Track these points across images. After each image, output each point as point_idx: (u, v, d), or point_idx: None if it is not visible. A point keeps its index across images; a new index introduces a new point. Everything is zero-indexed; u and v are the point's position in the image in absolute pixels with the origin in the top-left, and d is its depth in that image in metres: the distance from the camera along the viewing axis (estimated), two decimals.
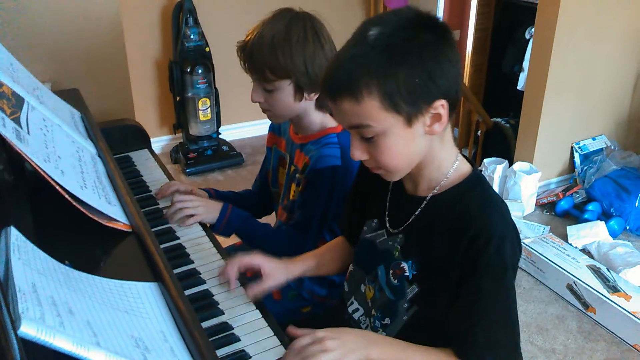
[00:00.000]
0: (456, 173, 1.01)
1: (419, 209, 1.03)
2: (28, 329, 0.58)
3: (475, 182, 1.02)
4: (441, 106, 0.92)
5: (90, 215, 1.04)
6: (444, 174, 1.01)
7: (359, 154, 0.97)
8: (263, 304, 1.13)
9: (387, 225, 1.09)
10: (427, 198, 1.03)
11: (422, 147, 0.97)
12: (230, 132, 3.96)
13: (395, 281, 1.06)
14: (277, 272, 1.18)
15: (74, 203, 1.01)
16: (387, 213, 1.10)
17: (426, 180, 1.03)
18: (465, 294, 0.97)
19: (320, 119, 1.42)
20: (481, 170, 3.26)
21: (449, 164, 1.01)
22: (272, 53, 1.29)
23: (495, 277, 0.95)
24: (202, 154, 3.69)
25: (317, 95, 1.36)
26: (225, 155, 3.76)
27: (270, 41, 1.30)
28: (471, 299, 0.96)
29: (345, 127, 0.97)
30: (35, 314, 0.60)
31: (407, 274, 1.04)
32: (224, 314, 1.09)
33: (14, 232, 0.77)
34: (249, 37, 1.34)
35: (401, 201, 1.08)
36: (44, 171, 0.97)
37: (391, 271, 1.07)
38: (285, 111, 1.39)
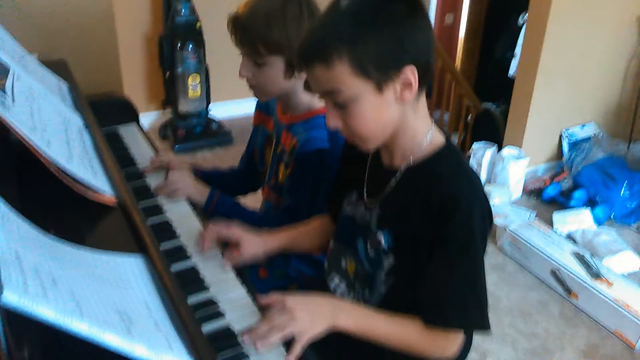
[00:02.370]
0: (430, 145, 1.03)
1: (394, 181, 1.05)
2: (10, 297, 0.57)
3: (449, 154, 1.03)
4: (411, 73, 0.93)
5: (76, 187, 1.03)
6: (417, 144, 1.03)
7: (333, 122, 0.99)
8: (249, 281, 1.13)
9: (365, 197, 1.11)
10: (402, 169, 1.04)
11: (394, 115, 0.98)
12: (220, 110, 3.93)
13: (373, 253, 1.08)
14: (255, 243, 1.20)
15: (60, 175, 1.00)
16: (365, 186, 1.11)
17: (400, 151, 1.04)
18: (433, 262, 0.98)
19: (308, 99, 1.41)
20: (469, 155, 3.27)
21: (422, 135, 1.03)
22: (267, 27, 1.28)
23: (462, 244, 0.97)
24: (191, 131, 3.67)
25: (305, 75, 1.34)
26: (215, 133, 3.74)
27: (265, 15, 1.28)
28: (438, 265, 0.98)
29: (319, 94, 0.99)
30: (18, 283, 0.60)
31: (383, 245, 1.05)
32: (209, 290, 1.08)
33: None
34: (242, 10, 1.32)
35: (378, 173, 1.09)
36: (29, 141, 0.96)
37: (369, 243, 1.09)
38: (273, 88, 1.38)
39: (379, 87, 0.93)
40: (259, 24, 1.28)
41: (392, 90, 0.94)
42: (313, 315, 0.95)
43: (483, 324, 1.00)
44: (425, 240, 0.99)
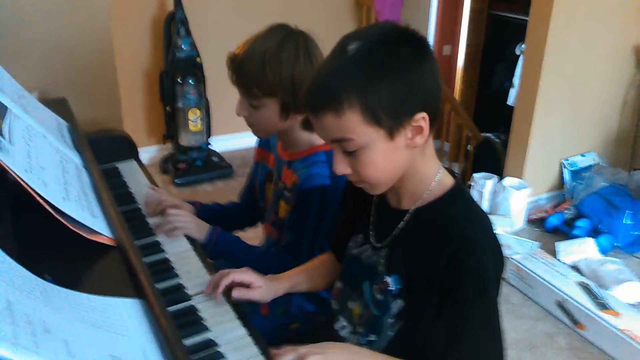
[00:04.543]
0: (439, 186, 1.01)
1: (403, 223, 1.03)
2: (0, 350, 0.55)
3: (458, 195, 1.01)
4: (422, 118, 0.92)
5: (72, 228, 1.01)
6: (426, 186, 1.01)
7: (341, 167, 0.97)
8: (249, 321, 1.11)
9: (372, 239, 1.09)
10: (410, 211, 1.02)
11: (404, 160, 0.97)
12: (220, 143, 3.94)
13: (380, 296, 1.05)
14: (267, 288, 1.17)
15: (56, 215, 0.99)
16: (371, 227, 1.09)
17: (409, 193, 1.03)
18: (447, 308, 0.95)
19: (307, 137, 1.40)
20: (470, 185, 3.26)
21: (431, 177, 1.01)
22: (261, 69, 1.27)
23: (477, 290, 0.94)
24: (191, 164, 3.67)
25: (302, 116, 1.34)
26: (215, 167, 3.74)
27: (261, 56, 1.28)
28: (453, 312, 0.95)
29: (328, 141, 0.97)
30: (7, 334, 0.58)
31: (391, 288, 1.03)
32: (209, 330, 1.06)
33: None
34: (239, 50, 1.32)
35: (385, 215, 1.07)
36: (25, 182, 0.95)
37: (375, 286, 1.06)
38: (269, 128, 1.38)
39: (391, 134, 0.91)
40: (254, 67, 1.28)
41: (403, 137, 0.93)
42: None
43: None
44: (436, 284, 0.96)
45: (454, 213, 0.98)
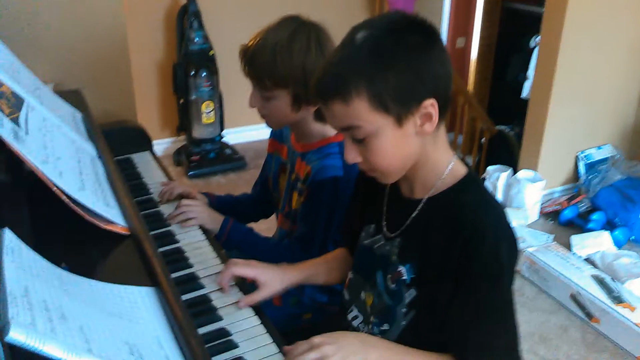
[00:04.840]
0: (451, 175, 1.00)
1: (415, 212, 1.02)
2: (17, 335, 0.56)
3: (471, 184, 1.01)
4: (431, 105, 0.91)
5: (87, 218, 1.02)
6: (438, 175, 1.00)
7: (352, 156, 0.97)
8: (262, 311, 1.12)
9: (384, 229, 1.08)
10: (423, 200, 1.02)
11: (414, 148, 0.97)
12: (233, 136, 3.95)
13: (393, 286, 1.05)
14: (274, 281, 1.17)
15: (72, 205, 1.00)
16: (384, 217, 1.09)
17: (421, 182, 1.02)
18: (461, 296, 0.95)
19: (320, 128, 1.40)
20: (483, 178, 3.24)
21: (443, 166, 1.01)
22: (272, 60, 1.27)
23: (491, 279, 0.94)
24: (205, 157, 3.68)
25: (314, 107, 1.34)
26: (228, 159, 3.75)
27: (272, 48, 1.28)
28: (467, 301, 0.95)
29: (337, 129, 0.98)
30: (26, 319, 0.59)
31: (404, 278, 1.03)
32: (222, 319, 1.07)
33: (8, 235, 0.75)
34: (251, 42, 1.32)
35: (397, 205, 1.07)
36: (41, 172, 0.96)
37: (389, 276, 1.06)
38: (281, 120, 1.38)
39: (399, 121, 0.91)
40: (264, 57, 1.28)
41: (412, 124, 0.93)
42: (342, 351, 0.92)
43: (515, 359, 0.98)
44: (449, 274, 0.96)
45: (467, 201, 0.97)
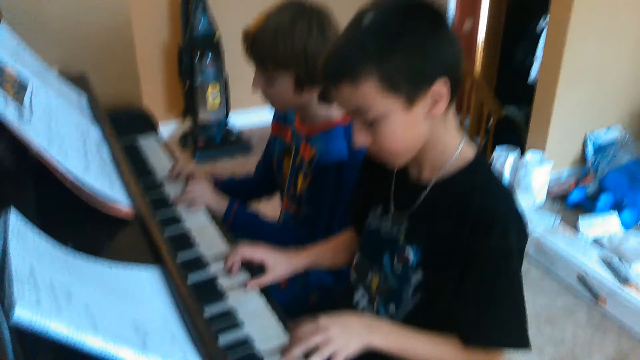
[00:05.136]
0: (460, 157, 1.00)
1: (423, 195, 1.02)
2: (23, 313, 0.57)
3: (479, 166, 1.00)
4: (441, 86, 0.90)
5: (93, 199, 1.03)
6: (447, 158, 1.00)
7: (361, 139, 0.96)
8: (268, 291, 1.12)
9: (392, 211, 1.08)
10: (432, 183, 1.01)
11: (424, 131, 0.96)
12: (239, 119, 3.95)
13: (400, 268, 1.05)
14: (281, 265, 1.19)
15: (76, 187, 1.00)
16: (391, 199, 1.09)
17: (430, 164, 1.02)
18: (469, 279, 0.95)
19: (325, 110, 1.40)
20: (492, 161, 3.22)
21: (452, 148, 1.00)
22: (273, 43, 1.28)
23: (499, 261, 0.94)
24: (210, 140, 3.68)
25: (318, 90, 1.34)
26: (234, 142, 3.75)
27: (274, 31, 1.28)
28: (475, 283, 0.95)
29: (346, 112, 0.97)
30: (32, 298, 0.59)
31: (411, 260, 1.03)
32: (228, 300, 1.08)
33: (13, 215, 0.76)
34: (254, 25, 1.32)
35: (405, 187, 1.07)
36: (45, 153, 0.96)
37: (396, 258, 1.06)
38: (285, 102, 1.38)
39: (409, 103, 0.91)
40: (266, 40, 1.28)
41: (422, 106, 0.92)
42: (348, 333, 0.93)
43: (524, 343, 0.98)
44: (457, 256, 0.96)
45: (476, 184, 0.97)
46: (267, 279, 1.15)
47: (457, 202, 0.97)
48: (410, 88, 0.89)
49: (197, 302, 0.90)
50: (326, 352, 0.90)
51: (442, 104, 0.92)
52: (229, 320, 1.02)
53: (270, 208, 1.71)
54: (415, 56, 0.88)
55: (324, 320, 0.93)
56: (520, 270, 0.97)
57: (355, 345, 0.92)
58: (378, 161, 1.02)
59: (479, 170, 1.00)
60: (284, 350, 0.94)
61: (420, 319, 1.02)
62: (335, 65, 0.92)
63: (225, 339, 0.97)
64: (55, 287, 0.65)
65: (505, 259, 0.94)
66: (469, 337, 0.97)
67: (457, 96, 0.95)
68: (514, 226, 0.94)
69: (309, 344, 0.91)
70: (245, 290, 1.11)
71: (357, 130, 0.96)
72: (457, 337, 0.98)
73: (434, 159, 1.01)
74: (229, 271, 1.15)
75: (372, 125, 0.93)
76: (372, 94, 0.89)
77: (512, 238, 0.93)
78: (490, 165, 1.04)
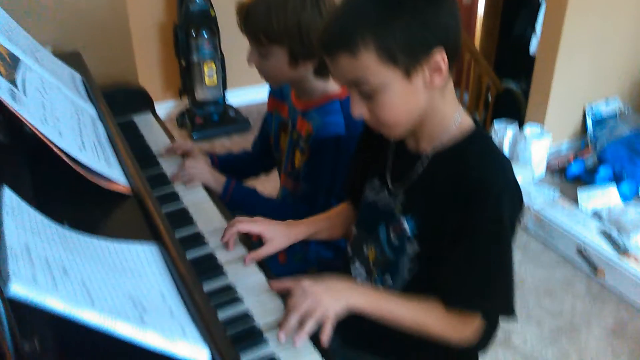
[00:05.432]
0: (458, 129, 0.99)
1: (421, 166, 1.02)
2: (18, 289, 0.57)
3: (477, 137, 1.00)
4: (440, 57, 0.90)
5: (89, 178, 1.02)
6: (445, 129, 0.99)
7: (359, 111, 0.96)
8: (268, 266, 1.13)
9: (389, 183, 1.08)
10: (429, 155, 1.01)
11: (422, 102, 0.95)
12: (236, 97, 3.92)
13: (396, 240, 1.05)
14: (279, 236, 1.18)
15: (72, 165, 1.00)
16: (388, 171, 1.09)
17: (427, 136, 1.01)
18: (458, 245, 0.95)
19: (321, 85, 1.39)
20: (490, 133, 3.22)
21: (450, 119, 0.99)
22: (267, 17, 1.27)
23: (490, 230, 0.94)
24: (208, 118, 3.67)
25: (313, 64, 1.33)
26: (232, 121, 3.73)
27: (267, 4, 1.27)
28: (463, 248, 0.95)
29: (344, 84, 0.96)
30: (27, 274, 0.59)
31: (407, 232, 1.03)
32: (227, 275, 1.08)
33: (7, 193, 0.75)
34: None
35: (403, 158, 1.06)
36: (40, 132, 0.95)
37: (391, 229, 1.06)
38: (280, 77, 1.37)
39: (408, 73, 0.90)
40: (259, 14, 1.28)
41: (421, 76, 0.91)
42: (332, 294, 0.94)
43: (507, 310, 0.98)
44: (452, 227, 0.96)
45: (473, 155, 0.96)
46: (265, 251, 1.15)
47: (454, 174, 0.96)
48: (409, 57, 0.89)
49: (196, 277, 0.90)
50: (318, 315, 0.91)
51: (441, 75, 0.92)
52: (228, 295, 1.02)
53: (268, 185, 1.71)
54: (413, 26, 0.87)
55: (308, 284, 0.94)
56: (512, 241, 0.97)
57: (341, 304, 0.93)
58: (376, 132, 1.02)
59: (477, 141, 0.99)
60: (281, 322, 0.94)
61: (417, 290, 1.03)
62: (334, 35, 0.91)
63: (224, 313, 0.97)
64: (51, 263, 0.65)
65: (495, 227, 0.94)
66: (450, 300, 0.97)
67: (456, 66, 0.94)
68: (508, 196, 0.94)
69: (301, 311, 0.91)
70: (244, 265, 1.11)
71: (355, 102, 0.95)
72: (440, 299, 0.98)
73: (432, 130, 1.00)
74: (225, 245, 1.15)
75: (370, 96, 0.93)
76: (370, 65, 0.89)
77: (505, 207, 0.93)
78: (489, 136, 1.03)
